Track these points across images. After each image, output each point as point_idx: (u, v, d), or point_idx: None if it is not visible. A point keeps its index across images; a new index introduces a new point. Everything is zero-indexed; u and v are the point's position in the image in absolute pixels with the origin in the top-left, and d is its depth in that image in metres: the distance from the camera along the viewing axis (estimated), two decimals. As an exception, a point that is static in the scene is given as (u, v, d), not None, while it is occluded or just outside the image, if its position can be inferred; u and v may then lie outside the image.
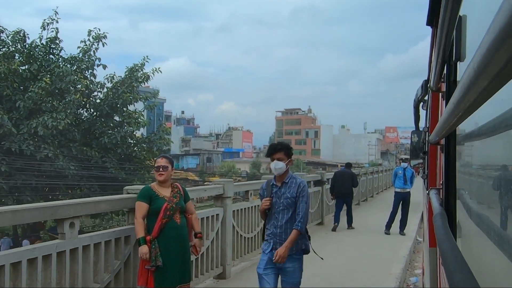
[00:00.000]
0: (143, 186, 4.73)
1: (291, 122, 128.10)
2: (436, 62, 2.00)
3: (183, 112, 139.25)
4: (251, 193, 7.52)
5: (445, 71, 2.03)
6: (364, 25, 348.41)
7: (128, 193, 4.78)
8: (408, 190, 11.59)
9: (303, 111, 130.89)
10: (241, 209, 7.20)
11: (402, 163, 12.03)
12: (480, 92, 0.68)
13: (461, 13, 1.47)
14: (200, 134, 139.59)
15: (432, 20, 2.82)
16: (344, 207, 12.39)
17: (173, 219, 4.43)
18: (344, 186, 12.17)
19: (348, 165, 13.38)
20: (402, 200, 11.51)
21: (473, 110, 0.89)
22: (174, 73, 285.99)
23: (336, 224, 11.89)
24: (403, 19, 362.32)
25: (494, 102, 0.79)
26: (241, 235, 7.19)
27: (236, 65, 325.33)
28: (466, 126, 1.51)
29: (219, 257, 6.51)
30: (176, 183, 4.82)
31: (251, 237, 7.56)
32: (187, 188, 5.11)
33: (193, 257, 5.17)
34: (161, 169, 4.57)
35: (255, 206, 7.47)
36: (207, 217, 6.18)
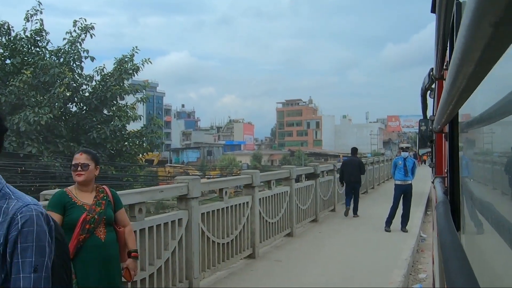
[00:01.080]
0: (57, 190, 3.57)
1: (292, 113, 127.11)
2: (437, 49, 2.01)
3: (183, 106, 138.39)
4: (225, 192, 6.52)
5: (447, 58, 2.05)
6: (365, 15, 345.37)
7: (46, 199, 3.59)
8: (409, 182, 10.51)
9: (304, 102, 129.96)
10: (212, 211, 6.20)
11: (402, 153, 10.96)
12: (468, 77, 0.69)
13: None
14: (201, 127, 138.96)
15: (435, 7, 2.59)
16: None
17: (94, 234, 3.31)
18: (353, 174, 12.45)
19: (354, 151, 13.28)
20: (403, 194, 10.43)
21: (466, 95, 0.94)
22: (176, 67, 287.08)
23: (348, 207, 12.46)
24: (404, 8, 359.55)
25: (494, 89, 0.88)
26: (213, 241, 6.15)
27: (237, 57, 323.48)
28: (468, 113, 1.54)
29: (183, 270, 5.43)
30: (104, 186, 3.64)
31: (226, 243, 6.56)
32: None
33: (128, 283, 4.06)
34: (79, 168, 3.41)
35: (230, 206, 6.62)
36: (165, 223, 5.10)
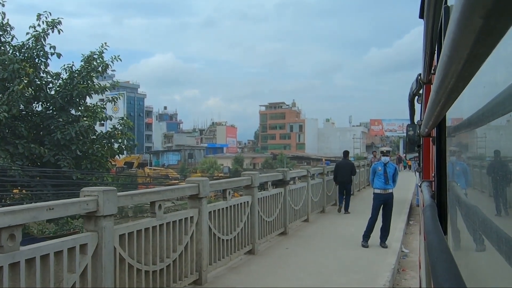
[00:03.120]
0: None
1: (275, 116, 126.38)
2: (425, 54, 2.21)
3: (165, 108, 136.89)
4: (159, 205, 5.20)
5: (434, 63, 2.19)
6: (349, 19, 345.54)
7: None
8: (390, 190, 9.26)
9: (287, 105, 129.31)
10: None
11: (383, 157, 9.71)
12: (456, 78, 0.70)
13: (448, 3, 1.53)
14: (184, 130, 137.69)
15: (424, 13, 2.56)
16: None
17: None
18: (345, 175, 13.84)
19: (346, 154, 15.11)
20: (384, 204, 9.20)
21: (454, 98, 0.95)
22: (160, 69, 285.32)
23: (341, 205, 14.09)
24: (388, 13, 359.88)
25: (481, 93, 0.91)
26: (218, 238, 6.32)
27: (221, 60, 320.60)
28: (455, 117, 1.60)
29: (194, 262, 5.87)
30: None
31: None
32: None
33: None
34: None
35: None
36: (180, 220, 5.65)
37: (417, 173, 6.56)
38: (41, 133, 21.31)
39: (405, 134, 6.13)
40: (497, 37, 0.50)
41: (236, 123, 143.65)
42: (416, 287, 6.50)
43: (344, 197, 13.94)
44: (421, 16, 2.87)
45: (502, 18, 0.44)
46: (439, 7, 1.50)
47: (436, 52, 1.98)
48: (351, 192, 14.69)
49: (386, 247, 8.88)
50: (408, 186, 20.21)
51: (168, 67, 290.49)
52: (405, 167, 35.97)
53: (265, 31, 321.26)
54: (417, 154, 5.77)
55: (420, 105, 5.11)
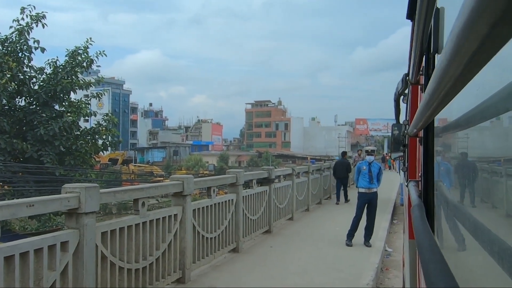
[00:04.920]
0: None
1: (261, 115, 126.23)
2: (414, 55, 2.14)
3: (151, 105, 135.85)
4: (143, 202, 5.15)
5: (423, 64, 2.12)
6: (337, 19, 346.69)
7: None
8: (374, 190, 9.29)
9: (273, 103, 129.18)
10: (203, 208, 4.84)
11: (367, 156, 9.73)
12: (453, 82, 0.71)
13: (438, 5, 1.52)
14: (169, 127, 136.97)
15: (412, 14, 2.72)
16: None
17: None
18: (342, 172, 16.44)
19: (344, 154, 18.61)
20: (368, 203, 9.22)
21: (447, 100, 0.93)
22: (146, 65, 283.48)
23: (338, 201, 16.27)
24: (375, 13, 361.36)
25: (470, 95, 0.90)
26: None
27: (209, 57, 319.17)
28: (443, 118, 1.61)
29: (177, 260, 5.88)
30: None
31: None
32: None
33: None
34: None
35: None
36: (163, 218, 5.63)
37: (402, 173, 6.42)
38: (24, 128, 21.02)
39: (390, 134, 6.08)
40: (501, 44, 0.49)
41: (222, 121, 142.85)
42: (399, 287, 6.53)
43: (342, 189, 16.44)
44: (409, 17, 2.87)
45: (508, 26, 0.44)
46: (430, 9, 1.50)
47: (425, 53, 1.97)
48: (348, 185, 17.10)
49: (370, 246, 8.90)
50: (392, 185, 20.31)
51: (154, 63, 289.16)
52: (390, 168, 36.05)
53: (253, 30, 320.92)
54: (402, 154, 5.73)
55: (405, 105, 5.02)
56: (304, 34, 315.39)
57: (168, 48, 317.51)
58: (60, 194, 4.13)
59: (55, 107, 21.65)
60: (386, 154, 42.59)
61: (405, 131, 4.36)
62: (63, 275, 3.95)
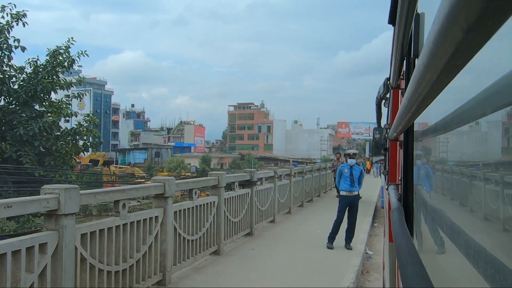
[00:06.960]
0: None
1: (244, 117, 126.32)
2: (395, 59, 2.20)
3: (133, 106, 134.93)
4: (123, 204, 5.11)
5: (404, 68, 2.15)
6: (320, 22, 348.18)
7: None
8: (356, 193, 9.36)
9: (256, 106, 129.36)
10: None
11: (349, 160, 9.80)
12: (430, 86, 0.71)
13: (419, 10, 1.56)
14: (151, 128, 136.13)
15: (393, 18, 2.66)
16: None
17: None
18: None
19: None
20: (349, 206, 9.29)
21: (425, 105, 0.92)
22: (129, 66, 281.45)
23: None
24: (356, 17, 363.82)
25: (448, 100, 0.93)
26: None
27: (192, 59, 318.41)
28: (423, 122, 1.63)
29: (158, 262, 5.80)
30: None
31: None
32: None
33: None
34: None
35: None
36: (144, 219, 5.61)
37: (383, 176, 6.48)
38: (2, 128, 20.76)
39: (371, 137, 6.17)
40: (475, 50, 0.50)
41: (205, 123, 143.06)
42: (379, 289, 6.57)
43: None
44: (390, 21, 2.90)
45: (483, 32, 0.45)
46: (410, 14, 1.52)
47: (406, 58, 2.00)
48: None
49: (351, 248, 8.95)
50: (374, 187, 20.51)
51: (137, 64, 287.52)
52: (367, 172, 35.69)
53: (236, 31, 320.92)
54: (383, 157, 5.78)
55: (387, 108, 5.11)
56: (287, 37, 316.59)
57: (151, 49, 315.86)
58: (40, 195, 4.08)
59: (35, 107, 21.42)
60: (365, 158, 42.81)
61: (386, 135, 4.37)
62: (41, 277, 3.89)
